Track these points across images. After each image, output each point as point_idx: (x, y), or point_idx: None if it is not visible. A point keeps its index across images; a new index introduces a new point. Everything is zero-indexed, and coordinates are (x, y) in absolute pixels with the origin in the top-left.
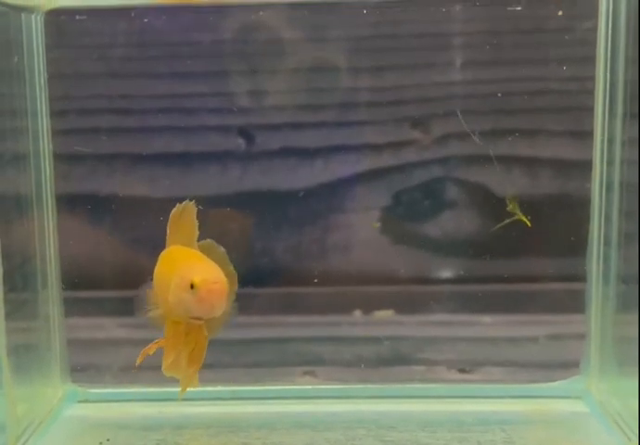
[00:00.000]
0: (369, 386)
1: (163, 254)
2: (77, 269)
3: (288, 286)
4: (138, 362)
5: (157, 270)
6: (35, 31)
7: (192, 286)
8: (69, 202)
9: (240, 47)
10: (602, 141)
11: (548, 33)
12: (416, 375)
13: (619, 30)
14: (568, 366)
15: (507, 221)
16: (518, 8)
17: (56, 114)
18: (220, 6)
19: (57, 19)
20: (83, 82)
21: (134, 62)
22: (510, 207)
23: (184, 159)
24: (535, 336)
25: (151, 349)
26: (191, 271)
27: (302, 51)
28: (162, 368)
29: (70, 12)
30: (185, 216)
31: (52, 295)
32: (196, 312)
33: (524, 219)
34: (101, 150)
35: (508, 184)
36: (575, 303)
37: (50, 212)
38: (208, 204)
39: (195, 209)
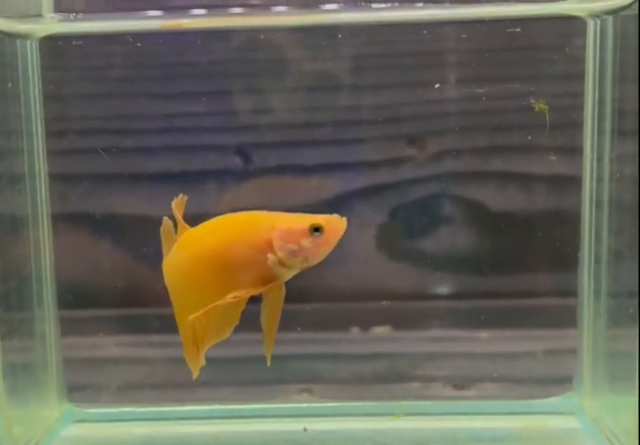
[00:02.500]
0: (366, 403)
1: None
2: (74, 288)
3: (284, 303)
4: (200, 314)
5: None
6: (30, 57)
7: (316, 230)
8: (65, 222)
9: (236, 67)
10: (591, 158)
11: (541, 50)
12: (412, 392)
13: (606, 48)
14: (561, 382)
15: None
16: (517, 30)
17: (51, 135)
18: (217, 29)
19: (53, 44)
20: (79, 104)
21: (131, 83)
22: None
23: (181, 179)
24: (530, 352)
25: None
26: (299, 218)
27: (299, 70)
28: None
29: (66, 38)
30: (165, 232)
31: (48, 314)
32: (319, 257)
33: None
34: (98, 170)
35: (503, 200)
36: (571, 319)
37: (46, 232)
38: None
39: (170, 225)
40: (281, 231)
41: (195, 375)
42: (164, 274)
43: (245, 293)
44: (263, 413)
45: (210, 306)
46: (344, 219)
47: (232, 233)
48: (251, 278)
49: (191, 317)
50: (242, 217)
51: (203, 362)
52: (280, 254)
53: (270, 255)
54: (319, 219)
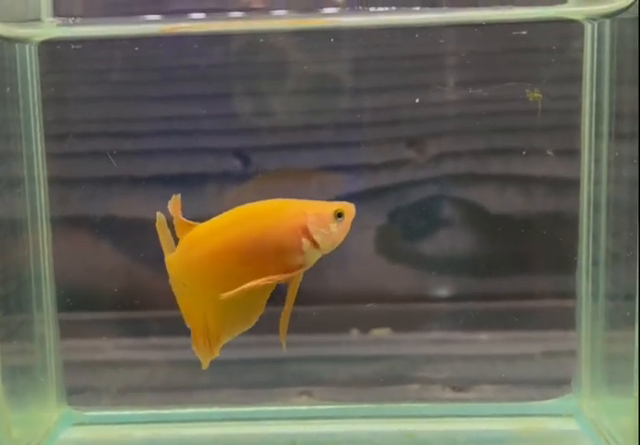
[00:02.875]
0: (365, 405)
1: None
2: (73, 291)
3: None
4: (236, 291)
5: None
6: (29, 61)
7: (339, 215)
8: (64, 225)
9: (235, 70)
10: (589, 160)
11: (539, 53)
12: (411, 394)
13: (603, 51)
14: (560, 384)
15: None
16: (515, 33)
17: (50, 138)
18: (215, 34)
19: (52, 48)
20: (78, 107)
21: (130, 86)
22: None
23: (180, 182)
24: (529, 354)
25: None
26: (322, 204)
27: (297, 73)
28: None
29: (64, 42)
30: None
31: (47, 317)
32: (339, 241)
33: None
34: (97, 173)
35: (502, 203)
36: (569, 321)
37: (45, 235)
38: None
39: (164, 219)
40: (313, 216)
41: (205, 365)
42: (174, 270)
43: (277, 278)
44: (263, 416)
45: (246, 285)
46: (353, 205)
47: (264, 220)
48: (283, 264)
49: (225, 294)
50: (270, 204)
51: (217, 354)
52: (316, 238)
53: (304, 240)
54: (338, 205)
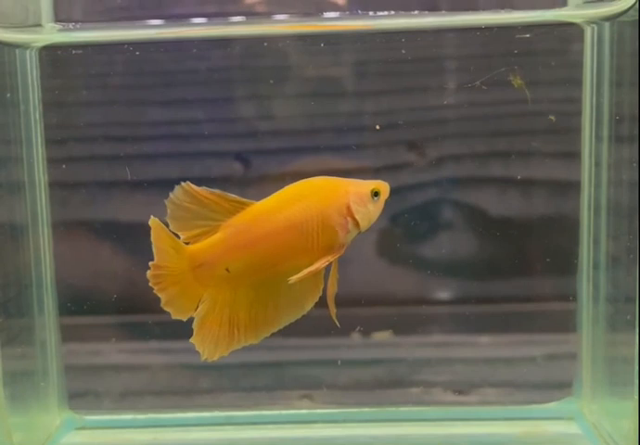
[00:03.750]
0: (366, 409)
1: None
2: (74, 295)
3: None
4: (304, 274)
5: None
6: (30, 66)
7: (376, 194)
8: (65, 230)
9: (236, 74)
10: (589, 164)
11: (538, 56)
12: (412, 398)
13: (603, 54)
14: (561, 387)
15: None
16: (527, 35)
17: (51, 143)
18: (215, 38)
19: (52, 53)
20: (78, 111)
21: (130, 91)
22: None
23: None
24: (530, 357)
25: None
26: (360, 183)
27: (298, 77)
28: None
29: (65, 47)
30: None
31: (48, 321)
32: (374, 220)
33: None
34: (98, 178)
35: (503, 206)
36: (570, 324)
37: (46, 240)
38: None
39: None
40: (355, 195)
41: (218, 355)
42: (214, 255)
43: (332, 257)
44: (264, 420)
45: (312, 267)
46: (388, 185)
47: (308, 200)
48: (326, 244)
49: (294, 278)
50: (313, 183)
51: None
52: (357, 217)
53: (349, 218)
54: (375, 183)
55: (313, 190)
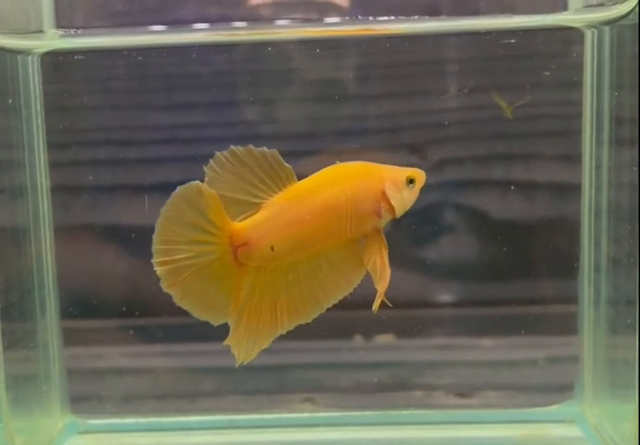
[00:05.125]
0: (368, 412)
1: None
2: (76, 299)
3: None
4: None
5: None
6: (32, 71)
7: (411, 181)
8: (67, 233)
9: (238, 78)
10: (590, 166)
11: (539, 59)
12: (414, 401)
13: (603, 58)
14: (563, 390)
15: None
16: (512, 41)
17: (53, 147)
18: (217, 43)
19: (54, 59)
20: (80, 116)
21: (132, 95)
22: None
23: None
24: (532, 360)
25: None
26: (396, 169)
27: (300, 81)
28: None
29: (67, 53)
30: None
31: (51, 325)
32: (408, 207)
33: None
34: (100, 182)
35: (504, 209)
36: (572, 326)
37: (48, 244)
38: None
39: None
40: (390, 181)
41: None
42: (258, 233)
43: (380, 245)
44: (266, 423)
45: (384, 259)
46: (424, 173)
47: (344, 184)
48: (359, 228)
49: (373, 262)
50: (349, 168)
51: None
52: (393, 203)
53: (382, 204)
54: (411, 171)
55: (349, 174)
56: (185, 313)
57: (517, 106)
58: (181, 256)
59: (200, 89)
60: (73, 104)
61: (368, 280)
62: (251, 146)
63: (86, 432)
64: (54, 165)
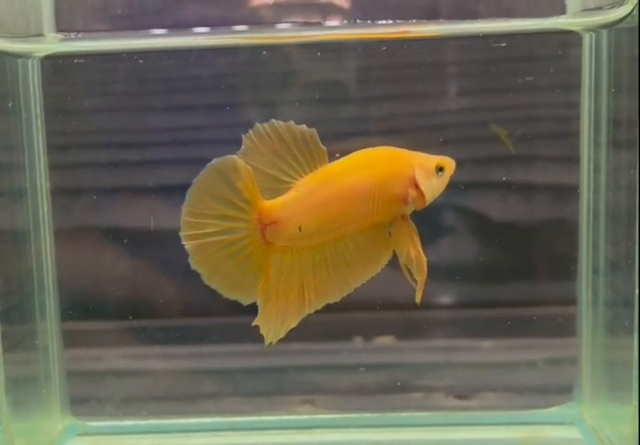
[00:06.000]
0: (368, 414)
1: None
2: (76, 301)
3: None
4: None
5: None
6: (32, 75)
7: (440, 169)
8: (67, 236)
9: (238, 81)
10: (588, 168)
11: (537, 62)
12: (413, 403)
13: (601, 60)
14: (562, 392)
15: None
16: (503, 44)
17: (53, 149)
18: (218, 46)
19: (54, 62)
20: (80, 118)
21: (133, 97)
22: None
23: (183, 192)
24: (531, 362)
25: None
26: (425, 156)
27: (300, 83)
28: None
29: (67, 56)
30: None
31: (51, 327)
32: (437, 195)
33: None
34: (100, 184)
35: (503, 211)
36: (571, 328)
37: (48, 246)
38: None
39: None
40: (419, 167)
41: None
42: (289, 213)
43: (411, 233)
44: (266, 425)
45: (420, 253)
46: (453, 161)
47: (373, 168)
48: (386, 214)
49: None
50: (378, 152)
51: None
52: (423, 189)
53: (411, 190)
54: (441, 159)
55: (379, 159)
56: (185, 314)
57: (514, 137)
58: (209, 230)
59: (200, 92)
60: (73, 107)
61: (368, 280)
62: (292, 122)
63: (86, 434)
64: (54, 167)
